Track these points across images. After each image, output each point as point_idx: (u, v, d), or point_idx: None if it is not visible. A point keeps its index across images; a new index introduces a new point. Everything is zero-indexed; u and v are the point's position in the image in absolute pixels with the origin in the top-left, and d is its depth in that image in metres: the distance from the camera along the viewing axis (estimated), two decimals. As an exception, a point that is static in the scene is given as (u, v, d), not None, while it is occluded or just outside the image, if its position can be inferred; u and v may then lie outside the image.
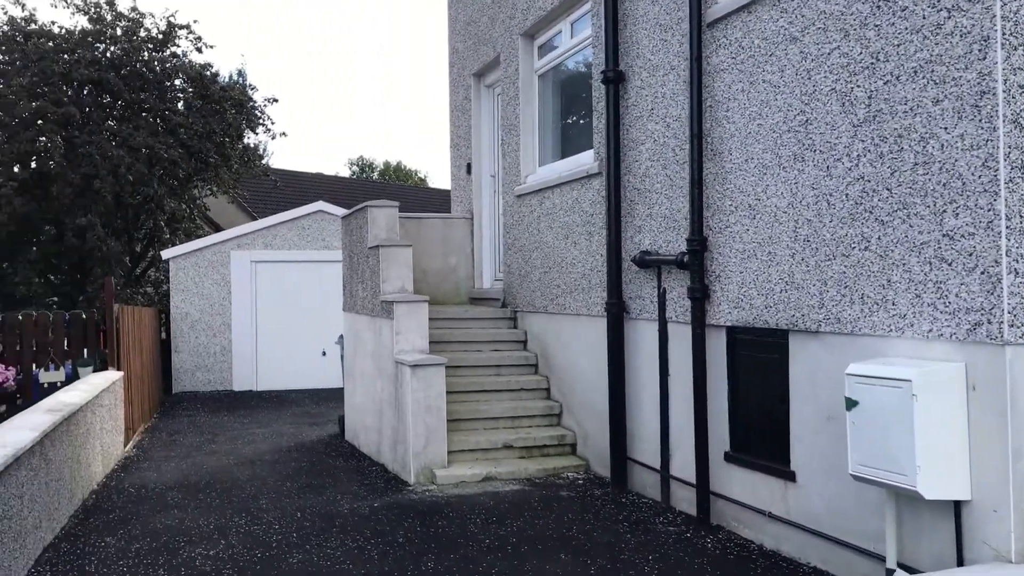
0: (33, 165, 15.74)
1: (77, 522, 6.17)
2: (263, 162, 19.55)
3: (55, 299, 16.13)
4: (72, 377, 9.22)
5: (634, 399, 6.55)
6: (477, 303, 9.77)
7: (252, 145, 19.05)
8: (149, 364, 12.43)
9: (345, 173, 47.00)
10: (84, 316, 9.51)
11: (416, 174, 53.05)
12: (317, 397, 14.34)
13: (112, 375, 8.84)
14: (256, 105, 18.40)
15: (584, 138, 7.74)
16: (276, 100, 19.12)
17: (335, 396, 14.30)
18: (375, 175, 50.64)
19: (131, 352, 10.33)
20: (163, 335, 15.55)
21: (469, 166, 10.05)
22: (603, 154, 6.89)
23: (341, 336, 10.02)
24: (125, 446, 9.35)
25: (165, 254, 15.29)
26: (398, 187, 34.37)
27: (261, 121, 18.56)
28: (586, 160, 7.40)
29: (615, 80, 6.62)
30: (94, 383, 8.03)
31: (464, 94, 10.28)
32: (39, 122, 15.41)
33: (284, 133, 18.19)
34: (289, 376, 15.42)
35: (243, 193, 20.67)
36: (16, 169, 15.26)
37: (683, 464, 5.94)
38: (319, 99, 73.03)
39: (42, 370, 9.24)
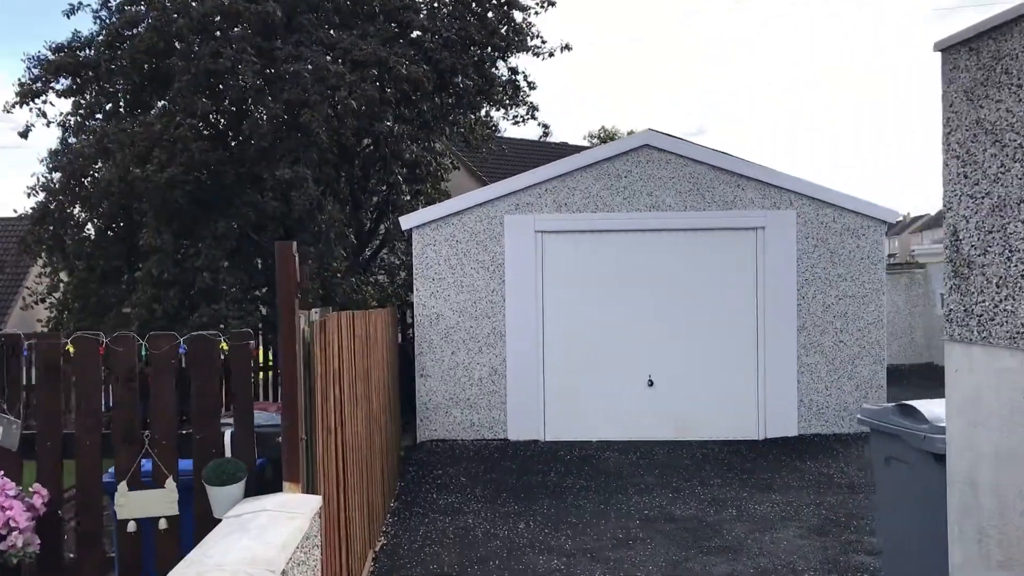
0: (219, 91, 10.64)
1: None
2: (533, 94, 13.54)
3: (258, 293, 11.03)
4: (190, 507, 3.47)
5: None
6: None
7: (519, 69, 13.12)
8: (380, 412, 6.69)
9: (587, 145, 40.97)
10: (224, 345, 3.70)
11: (669, 145, 46.02)
12: (655, 465, 8.15)
13: (292, 526, 2.93)
14: (529, 8, 12.43)
15: None
16: (553, 3, 12.98)
17: (697, 467, 7.92)
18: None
19: (345, 419, 4.51)
20: (399, 339, 10.09)
21: None
22: None
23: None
24: None
25: (405, 221, 9.67)
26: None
27: (530, 36, 12.54)
28: None
29: None
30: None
31: None
32: (230, 28, 10.31)
33: (568, 46, 11.64)
34: (594, 418, 9.34)
35: (503, 147, 14.89)
36: (197, 100, 10.16)
37: None
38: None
39: (123, 483, 3.57)
